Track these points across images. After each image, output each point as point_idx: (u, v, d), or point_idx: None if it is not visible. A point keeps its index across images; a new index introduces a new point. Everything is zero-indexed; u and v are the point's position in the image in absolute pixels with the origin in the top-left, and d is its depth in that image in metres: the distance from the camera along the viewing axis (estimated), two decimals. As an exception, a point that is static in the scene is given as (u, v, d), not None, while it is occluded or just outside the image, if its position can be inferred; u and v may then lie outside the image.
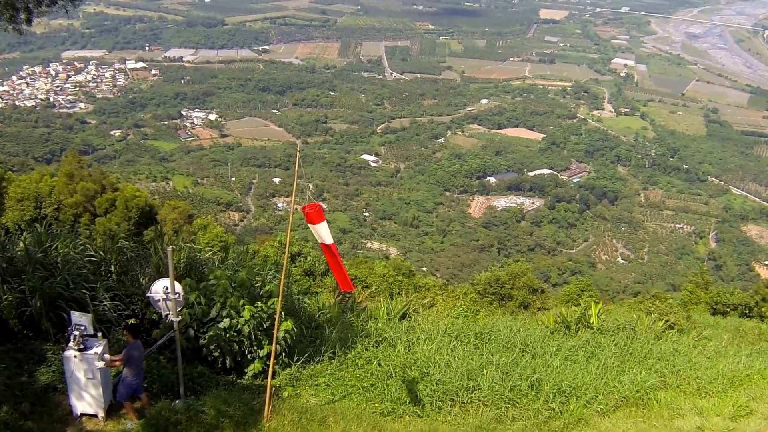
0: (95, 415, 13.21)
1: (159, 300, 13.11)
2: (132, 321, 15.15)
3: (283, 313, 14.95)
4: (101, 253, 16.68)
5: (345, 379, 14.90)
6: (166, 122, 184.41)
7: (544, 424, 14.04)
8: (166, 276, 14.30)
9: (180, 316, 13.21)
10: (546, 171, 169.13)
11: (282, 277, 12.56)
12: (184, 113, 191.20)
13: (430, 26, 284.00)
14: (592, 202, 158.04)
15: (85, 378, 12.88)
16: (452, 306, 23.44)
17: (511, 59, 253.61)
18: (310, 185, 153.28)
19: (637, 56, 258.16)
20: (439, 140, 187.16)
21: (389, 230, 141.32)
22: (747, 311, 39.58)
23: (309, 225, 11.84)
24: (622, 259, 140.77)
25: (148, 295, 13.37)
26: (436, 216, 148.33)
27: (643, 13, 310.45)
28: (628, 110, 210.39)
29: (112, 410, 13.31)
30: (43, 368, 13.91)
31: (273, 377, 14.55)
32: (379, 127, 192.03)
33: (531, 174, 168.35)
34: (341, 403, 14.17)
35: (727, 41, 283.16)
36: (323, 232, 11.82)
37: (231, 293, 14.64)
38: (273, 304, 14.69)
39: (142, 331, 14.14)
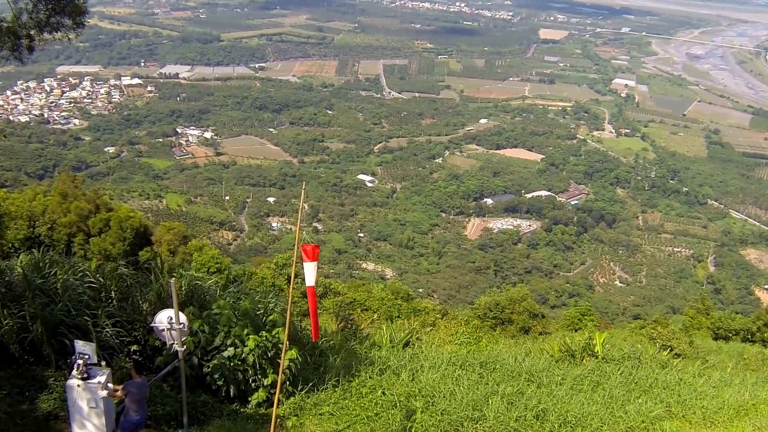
0: (98, 445, 13.27)
1: (163, 330, 13.19)
2: (134, 347, 15.24)
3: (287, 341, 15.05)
4: (101, 279, 16.74)
5: (349, 408, 14.94)
6: (161, 140, 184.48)
7: (549, 455, 14.13)
8: (168, 303, 14.42)
9: (185, 345, 13.30)
10: (544, 193, 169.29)
11: (289, 308, 12.64)
12: (179, 131, 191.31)
13: (428, 45, 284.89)
14: (589, 224, 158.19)
15: (88, 407, 12.88)
16: (454, 332, 23.51)
17: (511, 79, 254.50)
18: (305, 205, 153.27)
19: (637, 77, 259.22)
20: (437, 160, 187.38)
21: (384, 251, 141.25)
22: (749, 336, 39.85)
23: (304, 264, 11.99)
24: (621, 282, 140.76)
25: (153, 325, 13.44)
26: (432, 237, 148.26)
27: (643, 33, 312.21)
28: (628, 131, 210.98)
29: (114, 439, 13.37)
30: (45, 395, 13.91)
31: (280, 405, 14.65)
32: (376, 147, 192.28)
33: (528, 196, 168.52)
34: (346, 433, 14.25)
35: (729, 62, 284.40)
36: (311, 272, 11.96)
37: (235, 323, 14.74)
38: (277, 333, 14.80)
39: (145, 366, 14.18)
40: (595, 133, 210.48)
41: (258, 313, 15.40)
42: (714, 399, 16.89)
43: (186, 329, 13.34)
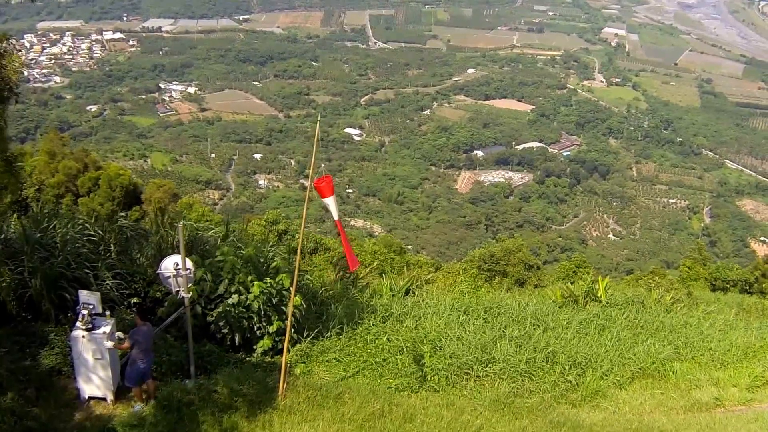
0: (104, 398, 13.28)
1: (169, 276, 13.23)
2: (134, 300, 15.31)
3: (290, 289, 15.15)
4: (100, 232, 16.76)
5: (356, 354, 15.15)
6: (143, 96, 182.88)
7: (561, 397, 14.40)
8: (168, 254, 14.47)
9: (190, 292, 13.38)
10: (535, 144, 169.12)
11: (299, 249, 12.75)
12: (162, 86, 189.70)
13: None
14: (582, 176, 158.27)
15: (94, 359, 12.94)
16: (453, 282, 23.72)
17: (499, 28, 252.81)
18: (292, 161, 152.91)
19: (628, 26, 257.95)
20: (425, 112, 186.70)
21: (373, 207, 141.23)
22: (747, 287, 40.18)
23: (323, 200, 12.11)
24: (614, 236, 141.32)
25: (159, 271, 13.47)
26: (422, 192, 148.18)
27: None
28: (619, 80, 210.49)
29: (120, 393, 13.41)
30: (47, 351, 13.90)
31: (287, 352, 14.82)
32: (363, 99, 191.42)
33: (520, 147, 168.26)
34: (355, 379, 14.42)
35: (721, 11, 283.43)
36: (334, 207, 12.10)
37: (239, 269, 14.80)
38: (281, 279, 14.89)
39: (148, 312, 14.23)
40: (586, 82, 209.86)
41: (261, 260, 15.46)
42: (721, 341, 17.24)
43: (192, 275, 13.42)
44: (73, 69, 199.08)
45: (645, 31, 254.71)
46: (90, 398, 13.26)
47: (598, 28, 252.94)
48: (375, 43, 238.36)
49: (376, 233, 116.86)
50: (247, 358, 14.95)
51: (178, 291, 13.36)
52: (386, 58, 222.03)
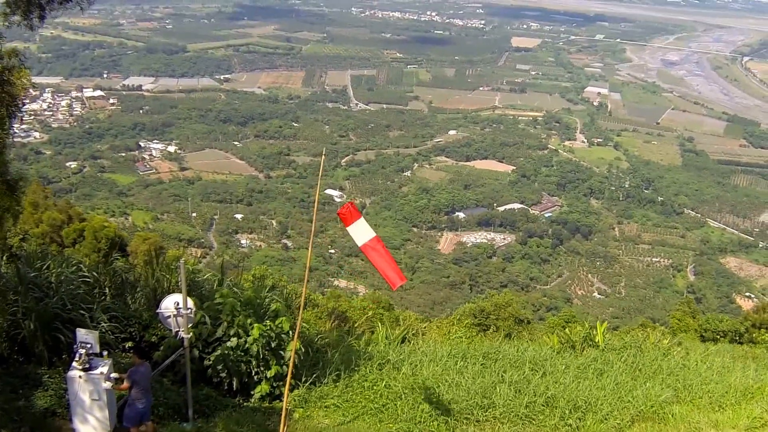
0: (100, 440, 13.26)
1: (169, 316, 13.24)
2: (129, 344, 15.26)
3: (290, 332, 15.18)
4: (95, 274, 16.77)
5: (354, 400, 15.14)
6: (123, 154, 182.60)
7: (562, 441, 14.42)
8: (162, 300, 14.48)
9: (191, 333, 13.38)
10: (517, 205, 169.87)
11: (304, 289, 12.84)
12: (142, 144, 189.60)
13: (398, 55, 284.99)
14: (565, 236, 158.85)
15: (90, 400, 12.87)
16: (447, 332, 23.74)
17: (481, 88, 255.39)
18: (273, 222, 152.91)
19: (611, 84, 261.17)
20: (406, 173, 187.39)
21: (356, 267, 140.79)
22: (737, 337, 40.39)
23: (346, 229, 12.24)
24: (599, 294, 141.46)
25: (159, 311, 13.48)
26: (405, 253, 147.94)
27: (618, 40, 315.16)
28: (601, 140, 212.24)
29: (117, 432, 13.39)
30: (40, 392, 13.85)
31: (281, 398, 14.77)
32: (343, 160, 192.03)
33: (501, 209, 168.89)
34: (354, 425, 14.41)
35: (704, 68, 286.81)
36: (360, 231, 12.19)
37: (239, 311, 14.82)
38: (281, 323, 14.92)
39: (146, 352, 14.19)
40: (567, 143, 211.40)
41: (260, 303, 15.50)
42: (719, 384, 17.32)
43: (192, 315, 13.43)
44: (53, 125, 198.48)
45: (627, 90, 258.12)
46: (85, 438, 13.20)
47: (581, 87, 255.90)
48: (356, 104, 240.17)
49: (361, 293, 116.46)
50: (245, 404, 14.92)
51: (177, 332, 13.37)
52: (367, 119, 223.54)
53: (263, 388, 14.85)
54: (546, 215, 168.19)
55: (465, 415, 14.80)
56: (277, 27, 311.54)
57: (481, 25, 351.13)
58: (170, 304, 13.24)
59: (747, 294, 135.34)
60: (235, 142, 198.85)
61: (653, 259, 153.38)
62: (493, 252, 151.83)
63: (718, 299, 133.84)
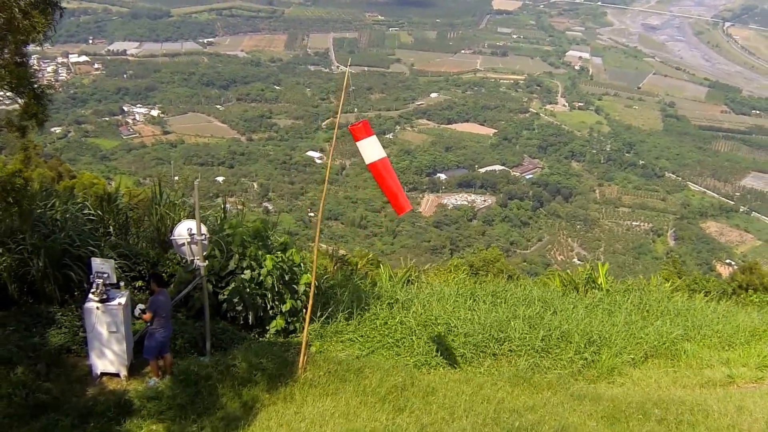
0: (117, 374, 13.14)
1: (183, 244, 13.02)
2: (139, 283, 15.13)
3: (301, 265, 15.14)
4: (99, 212, 16.62)
5: (369, 336, 15.24)
6: (107, 118, 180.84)
7: (578, 373, 14.62)
8: (168, 240, 14.30)
9: (206, 261, 13.21)
10: (498, 167, 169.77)
11: (320, 212, 12.77)
12: (126, 109, 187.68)
13: (379, 17, 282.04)
14: (545, 199, 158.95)
15: (108, 332, 12.74)
16: (445, 279, 23.80)
17: (463, 51, 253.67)
18: (255, 184, 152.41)
19: (592, 48, 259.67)
20: (388, 136, 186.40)
21: (336, 231, 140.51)
22: (725, 298, 40.62)
23: (357, 144, 12.08)
24: (579, 260, 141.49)
25: (172, 238, 13.27)
26: (385, 215, 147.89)
27: (599, 3, 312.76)
28: (582, 104, 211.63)
29: (133, 369, 13.34)
30: (54, 330, 13.76)
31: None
32: (324, 123, 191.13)
33: (482, 170, 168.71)
34: (371, 358, 14.51)
35: (686, 33, 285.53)
36: (370, 149, 12.01)
37: (249, 243, 14.66)
38: (291, 255, 14.83)
39: (165, 280, 14.04)
40: (548, 106, 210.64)
41: (267, 234, 15.37)
42: (726, 325, 17.55)
43: (206, 242, 13.20)
44: (38, 91, 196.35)
45: (609, 54, 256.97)
46: (102, 374, 13.15)
47: (562, 51, 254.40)
48: (337, 66, 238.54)
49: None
50: (260, 339, 14.90)
51: (192, 260, 13.19)
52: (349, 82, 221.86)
53: (278, 322, 14.81)
54: (527, 177, 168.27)
55: (481, 348, 14.93)
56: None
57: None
58: (183, 230, 12.99)
59: (727, 261, 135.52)
60: (218, 106, 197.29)
61: (633, 223, 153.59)
62: (473, 215, 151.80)
63: (698, 266, 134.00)
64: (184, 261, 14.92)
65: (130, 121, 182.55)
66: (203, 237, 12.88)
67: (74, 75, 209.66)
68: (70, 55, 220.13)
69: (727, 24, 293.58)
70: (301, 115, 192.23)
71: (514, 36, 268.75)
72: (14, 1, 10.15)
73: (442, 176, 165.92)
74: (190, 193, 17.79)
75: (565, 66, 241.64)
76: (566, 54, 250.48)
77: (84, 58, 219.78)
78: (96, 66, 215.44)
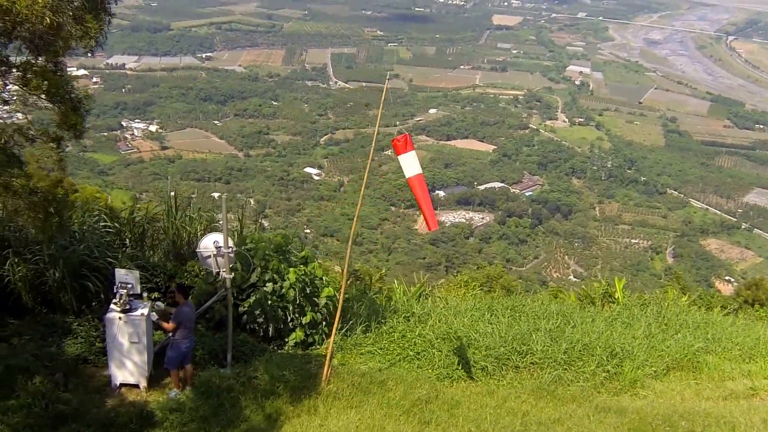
0: (136, 385, 13.21)
1: (209, 256, 13.12)
2: (155, 294, 15.20)
3: (323, 278, 15.24)
4: (117, 224, 16.72)
5: (389, 348, 15.37)
6: (105, 133, 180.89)
7: (601, 386, 14.73)
8: (183, 252, 14.41)
9: (232, 273, 13.32)
10: (497, 184, 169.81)
11: (353, 227, 12.91)
12: (124, 124, 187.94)
13: (378, 33, 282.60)
14: (545, 216, 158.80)
15: (129, 342, 12.81)
16: (460, 294, 23.88)
17: (462, 67, 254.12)
18: (251, 200, 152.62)
19: (593, 63, 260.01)
20: (386, 152, 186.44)
21: (332, 248, 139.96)
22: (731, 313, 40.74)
23: (397, 157, 12.39)
24: (575, 277, 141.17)
25: (198, 250, 13.38)
26: (381, 233, 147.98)
27: (600, 18, 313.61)
28: (582, 120, 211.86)
29: (152, 380, 13.40)
30: (70, 340, 13.83)
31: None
32: (322, 139, 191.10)
33: (481, 187, 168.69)
34: (393, 370, 14.61)
35: (688, 47, 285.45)
36: (410, 163, 12.28)
37: (271, 257, 14.79)
38: (313, 268, 14.95)
39: (190, 291, 14.14)
40: (548, 122, 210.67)
41: (288, 249, 15.51)
42: (746, 337, 17.67)
43: (233, 255, 13.31)
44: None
45: (610, 69, 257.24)
46: (121, 385, 13.20)
47: (562, 66, 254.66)
48: (335, 82, 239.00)
49: (337, 275, 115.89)
50: (279, 351, 14.98)
51: (218, 272, 13.29)
52: (346, 98, 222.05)
53: (298, 335, 14.92)
54: (527, 194, 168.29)
55: (503, 361, 15.03)
56: (259, 4, 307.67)
57: (462, 2, 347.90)
58: (209, 243, 13.11)
59: (726, 278, 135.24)
60: (215, 121, 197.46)
61: (632, 241, 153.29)
62: (470, 232, 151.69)
63: (696, 283, 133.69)
64: (203, 273, 15.06)
65: (129, 136, 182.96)
66: (230, 250, 12.98)
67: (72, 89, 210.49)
68: (68, 69, 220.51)
69: (731, 38, 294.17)
70: (299, 131, 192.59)
71: (514, 51, 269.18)
72: (68, 4, 10.09)
73: (441, 193, 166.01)
74: (186, 208, 18.03)
75: (565, 81, 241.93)
76: (566, 69, 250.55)
77: (83, 71, 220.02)
78: (94, 80, 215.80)
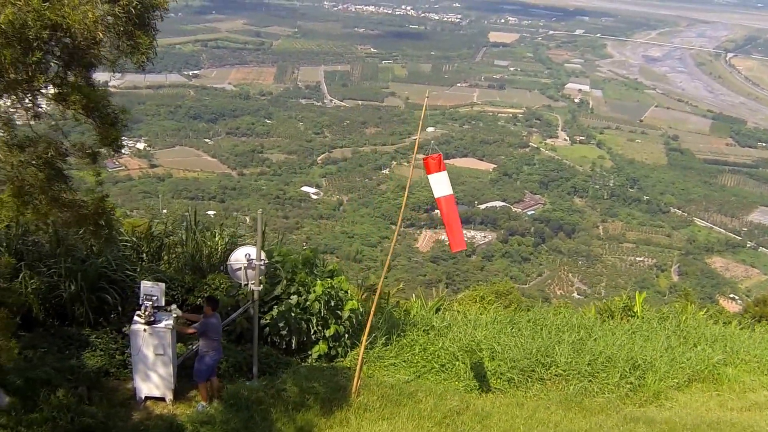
0: (162, 398, 13.34)
1: (239, 269, 13.35)
2: (174, 306, 15.37)
3: (348, 291, 15.43)
4: (134, 238, 16.92)
5: (412, 361, 15.62)
6: (90, 151, 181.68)
7: (626, 397, 14.98)
8: (201, 265, 14.61)
9: (261, 285, 13.52)
10: (498, 203, 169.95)
11: (393, 239, 13.12)
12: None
13: (372, 50, 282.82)
14: (547, 235, 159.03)
15: (154, 355, 12.96)
16: (479, 307, 24.05)
17: (459, 84, 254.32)
18: (247, 218, 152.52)
19: (592, 81, 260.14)
20: (384, 171, 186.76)
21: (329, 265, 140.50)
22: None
23: (428, 176, 12.62)
24: (578, 294, 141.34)
25: (229, 263, 13.62)
26: (381, 250, 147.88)
27: (598, 35, 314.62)
28: (583, 138, 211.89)
29: (178, 393, 13.55)
30: (89, 353, 13.97)
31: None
32: (319, 158, 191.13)
33: (482, 207, 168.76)
34: (419, 382, 14.84)
35: (688, 64, 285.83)
36: (440, 183, 12.52)
37: (300, 270, 15.00)
38: (339, 281, 15.15)
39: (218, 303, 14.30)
40: (549, 140, 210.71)
41: (316, 262, 15.73)
42: (765, 350, 17.96)
43: (264, 268, 13.54)
44: (19, 123, 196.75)
45: (609, 87, 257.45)
46: (147, 398, 13.31)
47: (561, 83, 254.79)
48: (330, 100, 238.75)
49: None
50: (303, 363, 15.14)
51: (246, 284, 13.50)
52: (342, 116, 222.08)
53: (321, 347, 15.13)
54: (528, 213, 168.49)
55: (528, 373, 15.25)
56: (246, 21, 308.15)
57: (458, 20, 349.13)
58: (241, 256, 13.37)
59: (731, 295, 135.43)
60: (206, 140, 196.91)
61: (637, 259, 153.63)
62: (472, 250, 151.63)
63: (701, 299, 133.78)
64: (224, 286, 15.27)
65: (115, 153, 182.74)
66: (262, 263, 13.21)
67: (56, 105, 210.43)
68: (49, 87, 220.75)
69: (730, 54, 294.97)
70: (294, 150, 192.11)
71: (512, 69, 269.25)
72: (117, 19, 10.21)
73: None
74: (180, 226, 18.42)
75: (564, 99, 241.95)
76: (565, 86, 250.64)
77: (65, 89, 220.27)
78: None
